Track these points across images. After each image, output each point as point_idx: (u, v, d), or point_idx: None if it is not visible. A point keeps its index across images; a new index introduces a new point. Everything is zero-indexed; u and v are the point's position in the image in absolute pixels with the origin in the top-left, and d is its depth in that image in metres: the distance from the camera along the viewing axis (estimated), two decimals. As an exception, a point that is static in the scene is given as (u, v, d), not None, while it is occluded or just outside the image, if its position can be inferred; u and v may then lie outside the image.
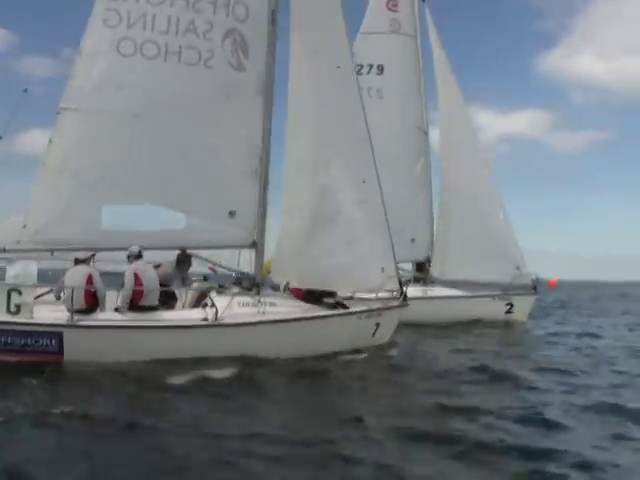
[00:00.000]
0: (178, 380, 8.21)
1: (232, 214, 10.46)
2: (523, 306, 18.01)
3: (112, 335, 8.90)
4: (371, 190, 11.07)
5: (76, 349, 8.72)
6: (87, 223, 9.72)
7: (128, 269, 9.52)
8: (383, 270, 11.28)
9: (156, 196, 10.01)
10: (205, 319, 9.40)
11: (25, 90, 9.75)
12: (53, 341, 8.76)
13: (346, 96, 10.99)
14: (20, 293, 8.68)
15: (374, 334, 11.26)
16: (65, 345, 8.74)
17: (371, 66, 18.25)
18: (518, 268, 17.94)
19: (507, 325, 17.15)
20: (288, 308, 10.26)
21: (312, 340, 10.17)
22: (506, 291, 17.75)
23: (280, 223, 10.91)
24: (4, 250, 9.56)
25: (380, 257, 11.25)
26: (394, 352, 11.34)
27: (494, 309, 17.46)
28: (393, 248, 11.53)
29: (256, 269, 10.76)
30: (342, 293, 11.14)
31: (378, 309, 11.23)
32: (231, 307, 9.73)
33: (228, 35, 10.42)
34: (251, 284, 10.61)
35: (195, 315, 9.52)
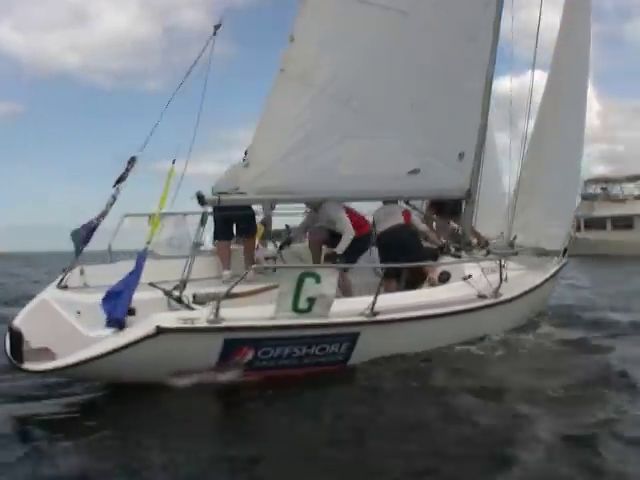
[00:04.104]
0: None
1: (461, 156, 8.03)
2: None
3: (407, 329, 6.34)
4: None
5: (365, 353, 6.08)
6: (325, 161, 6.65)
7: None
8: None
9: (399, 128, 7.15)
10: (482, 295, 7.18)
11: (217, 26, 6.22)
12: (342, 347, 5.97)
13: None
14: (318, 280, 5.59)
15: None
16: (355, 350, 6.02)
17: None
18: None
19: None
20: (517, 271, 8.36)
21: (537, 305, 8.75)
22: None
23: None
24: (218, 200, 6.16)
25: None
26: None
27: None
28: None
29: (468, 225, 8.57)
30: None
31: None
32: (483, 276, 7.67)
33: None
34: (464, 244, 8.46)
35: (465, 291, 7.22)
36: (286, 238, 8.28)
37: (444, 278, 7.62)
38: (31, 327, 5.58)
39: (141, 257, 5.44)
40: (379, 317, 5.98)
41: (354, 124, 6.73)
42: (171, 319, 5.20)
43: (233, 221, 7.45)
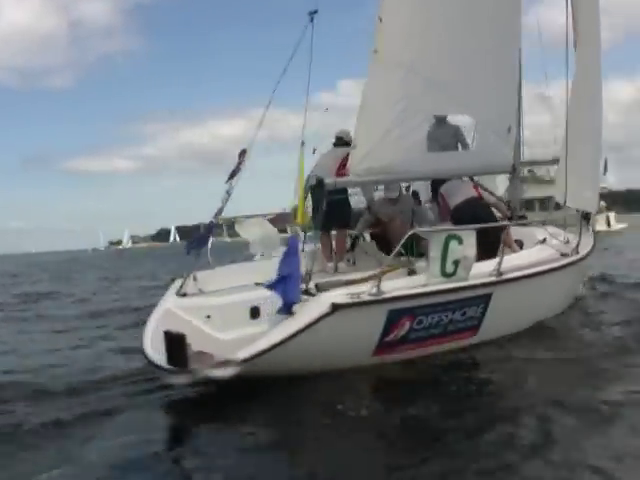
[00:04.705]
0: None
1: (509, 130, 8.30)
2: None
3: (529, 287, 6.47)
4: None
5: (495, 315, 6.14)
6: (414, 141, 6.75)
7: None
8: None
9: (469, 105, 7.35)
10: (564, 254, 7.43)
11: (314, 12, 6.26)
12: (478, 310, 6.02)
13: None
14: (461, 242, 5.63)
15: None
16: (487, 312, 6.08)
17: None
18: None
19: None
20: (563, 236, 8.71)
21: None
22: None
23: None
24: (334, 183, 6.16)
25: None
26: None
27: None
28: None
29: (517, 198, 8.84)
30: None
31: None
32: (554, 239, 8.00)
33: None
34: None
35: (549, 251, 7.44)
36: (355, 234, 8.25)
37: (519, 245, 7.86)
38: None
39: (294, 240, 5.31)
40: (508, 275, 6.10)
41: (435, 102, 6.89)
42: (341, 296, 5.11)
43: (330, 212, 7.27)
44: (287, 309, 4.97)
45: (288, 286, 4.96)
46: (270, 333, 4.89)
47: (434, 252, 5.54)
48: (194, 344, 5.37)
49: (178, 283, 6.16)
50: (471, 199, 7.75)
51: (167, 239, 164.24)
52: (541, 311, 6.98)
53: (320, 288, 6.12)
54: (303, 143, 5.84)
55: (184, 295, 6.05)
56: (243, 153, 5.99)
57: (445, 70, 6.90)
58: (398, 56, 6.43)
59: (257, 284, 6.52)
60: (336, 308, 4.93)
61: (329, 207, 7.04)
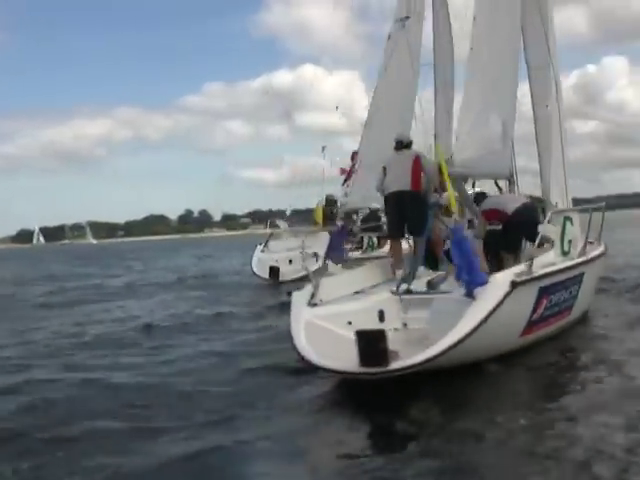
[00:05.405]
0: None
1: (512, 139, 9.06)
2: None
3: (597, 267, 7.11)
4: None
5: (583, 294, 6.68)
6: (483, 139, 7.01)
7: None
8: None
9: (504, 108, 7.70)
10: (591, 242, 8.24)
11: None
12: (577, 288, 6.50)
13: None
14: (572, 223, 6.09)
15: None
16: (580, 291, 6.58)
17: None
18: None
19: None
20: None
21: None
22: None
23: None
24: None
25: None
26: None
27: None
28: None
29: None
30: None
31: None
32: None
33: None
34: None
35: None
36: None
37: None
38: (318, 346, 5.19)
39: (460, 229, 5.41)
40: (592, 254, 6.70)
41: (490, 102, 7.32)
42: (510, 275, 5.29)
43: (405, 217, 6.86)
44: (472, 293, 5.06)
45: (472, 271, 5.06)
46: (464, 320, 4.89)
47: (556, 231, 5.99)
48: (344, 350, 5.24)
49: (302, 294, 5.95)
50: (528, 203, 8.06)
51: (29, 240, 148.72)
52: (592, 296, 7.64)
53: (431, 285, 6.30)
54: (435, 137, 6.00)
55: (315, 305, 5.85)
56: (355, 155, 6.03)
57: (500, 73, 7.39)
58: (479, 54, 6.90)
59: (356, 292, 6.49)
60: (515, 285, 5.11)
61: (408, 213, 7.02)
